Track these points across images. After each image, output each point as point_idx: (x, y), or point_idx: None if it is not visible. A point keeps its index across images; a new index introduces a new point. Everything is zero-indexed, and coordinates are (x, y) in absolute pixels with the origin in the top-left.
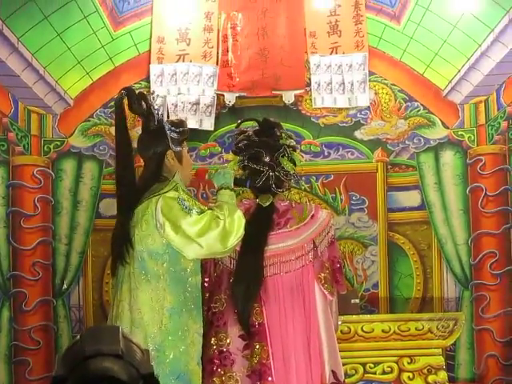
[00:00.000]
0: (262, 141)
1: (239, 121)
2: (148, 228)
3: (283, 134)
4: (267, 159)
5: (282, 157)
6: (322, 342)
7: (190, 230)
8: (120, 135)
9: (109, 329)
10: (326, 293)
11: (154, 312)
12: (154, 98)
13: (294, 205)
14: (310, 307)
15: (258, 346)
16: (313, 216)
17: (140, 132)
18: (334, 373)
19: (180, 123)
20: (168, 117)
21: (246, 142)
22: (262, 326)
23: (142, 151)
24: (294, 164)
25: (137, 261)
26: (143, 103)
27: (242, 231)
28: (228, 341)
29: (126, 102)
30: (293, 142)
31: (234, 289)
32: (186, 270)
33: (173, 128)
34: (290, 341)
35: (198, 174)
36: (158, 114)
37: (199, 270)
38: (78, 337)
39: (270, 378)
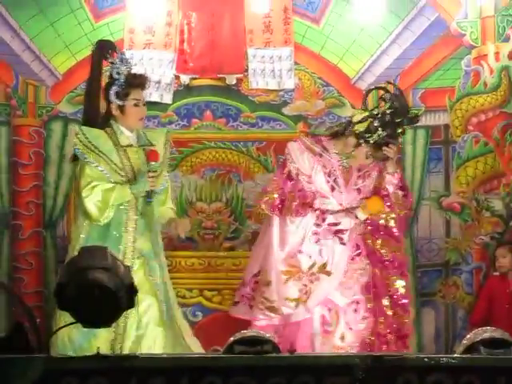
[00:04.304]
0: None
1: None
2: None
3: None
4: None
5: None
6: None
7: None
8: (94, 73)
9: (100, 248)
10: None
11: None
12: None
13: None
14: None
15: None
16: None
17: None
18: None
19: (130, 75)
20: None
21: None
22: None
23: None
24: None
25: None
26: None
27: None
28: None
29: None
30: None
31: None
32: None
33: (120, 82)
34: None
35: (151, 156)
36: (115, 68)
37: None
38: (77, 253)
39: None
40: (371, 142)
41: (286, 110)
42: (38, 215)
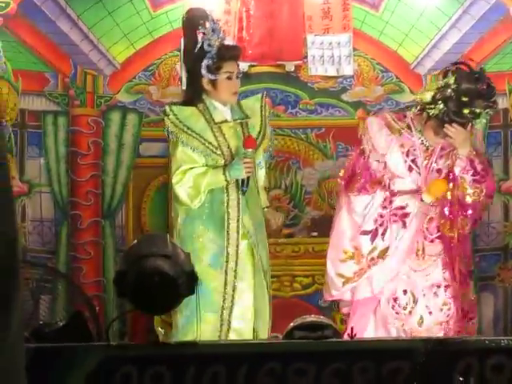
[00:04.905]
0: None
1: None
2: None
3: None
4: None
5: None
6: None
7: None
8: (190, 46)
9: (159, 236)
10: None
11: None
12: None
13: None
14: None
15: None
16: None
17: None
18: None
19: (222, 47)
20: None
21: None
22: None
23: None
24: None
25: None
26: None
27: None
28: None
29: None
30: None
31: None
32: None
33: (211, 55)
34: None
35: (247, 143)
36: (206, 40)
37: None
38: (136, 241)
39: None
40: (431, 114)
41: (344, 97)
42: (96, 205)
